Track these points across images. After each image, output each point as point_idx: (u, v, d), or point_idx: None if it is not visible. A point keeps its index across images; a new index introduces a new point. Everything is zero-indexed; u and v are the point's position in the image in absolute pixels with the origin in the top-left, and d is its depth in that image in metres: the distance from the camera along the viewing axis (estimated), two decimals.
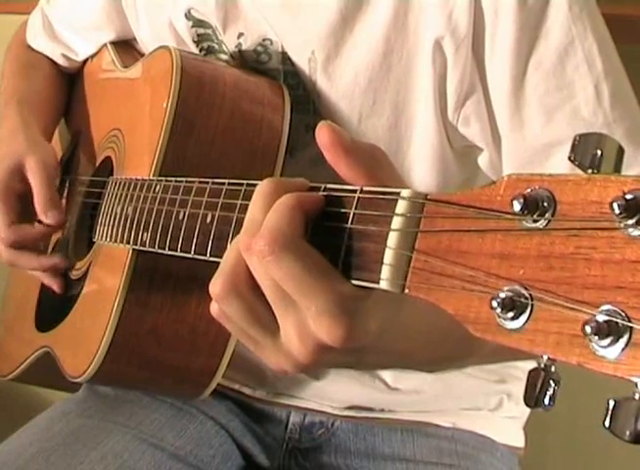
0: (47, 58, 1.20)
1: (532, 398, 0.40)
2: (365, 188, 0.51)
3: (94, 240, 0.94)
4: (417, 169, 0.88)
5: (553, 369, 0.40)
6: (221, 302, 0.53)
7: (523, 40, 0.78)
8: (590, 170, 0.41)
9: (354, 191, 0.51)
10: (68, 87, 1.22)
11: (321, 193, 0.53)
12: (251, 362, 0.99)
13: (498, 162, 0.86)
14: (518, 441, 1.06)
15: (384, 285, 0.47)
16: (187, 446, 0.95)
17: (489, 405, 1.04)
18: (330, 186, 0.53)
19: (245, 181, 0.62)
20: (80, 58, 1.18)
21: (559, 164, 0.79)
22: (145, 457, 0.91)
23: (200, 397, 0.90)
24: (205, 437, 0.98)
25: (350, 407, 1.01)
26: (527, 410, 1.08)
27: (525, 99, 0.80)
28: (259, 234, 0.50)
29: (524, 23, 0.78)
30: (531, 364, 1.09)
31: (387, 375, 0.99)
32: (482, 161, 0.88)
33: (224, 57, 0.95)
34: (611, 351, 0.36)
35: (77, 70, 1.21)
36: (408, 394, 1.00)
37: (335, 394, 1.00)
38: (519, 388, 1.05)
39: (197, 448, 0.96)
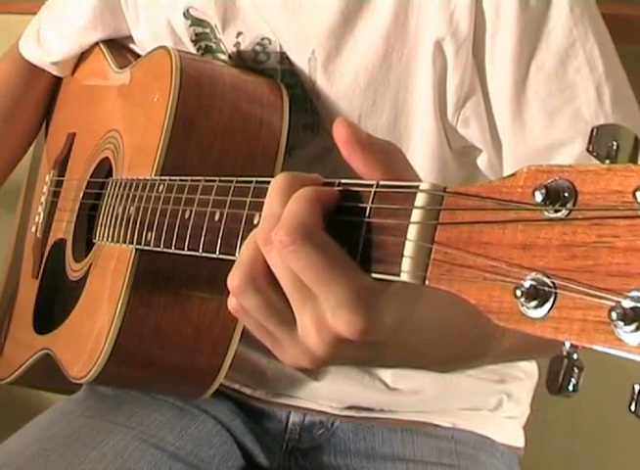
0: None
1: (555, 385, 0.40)
2: (382, 182, 0.51)
3: (94, 241, 0.94)
4: (416, 169, 0.88)
5: (576, 356, 0.40)
6: (239, 295, 0.53)
7: (524, 42, 0.79)
8: (607, 161, 0.41)
9: (370, 185, 0.51)
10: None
11: (336, 188, 0.53)
12: (252, 362, 0.99)
13: (497, 163, 0.86)
14: (518, 441, 1.07)
15: (404, 277, 0.47)
16: (187, 446, 0.95)
17: (489, 405, 1.04)
18: (344, 181, 0.54)
19: (254, 178, 0.62)
20: (57, 58, 1.17)
21: None
22: (145, 457, 0.91)
23: (202, 396, 0.90)
24: (205, 436, 0.98)
25: (350, 407, 1.01)
26: (527, 410, 1.08)
27: (527, 101, 0.80)
28: (279, 225, 0.50)
29: (525, 25, 0.78)
30: (532, 365, 1.10)
31: (386, 375, 0.99)
32: (482, 161, 0.89)
33: (222, 56, 0.95)
34: (636, 336, 0.37)
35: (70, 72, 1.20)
36: (408, 394, 1.00)
37: (334, 394, 1.00)
38: (519, 388, 1.06)
39: (197, 448, 0.96)
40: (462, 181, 0.92)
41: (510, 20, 0.79)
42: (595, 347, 0.38)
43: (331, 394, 1.00)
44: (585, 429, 1.39)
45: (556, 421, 1.36)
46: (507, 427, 1.06)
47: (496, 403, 1.04)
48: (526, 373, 1.06)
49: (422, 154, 0.88)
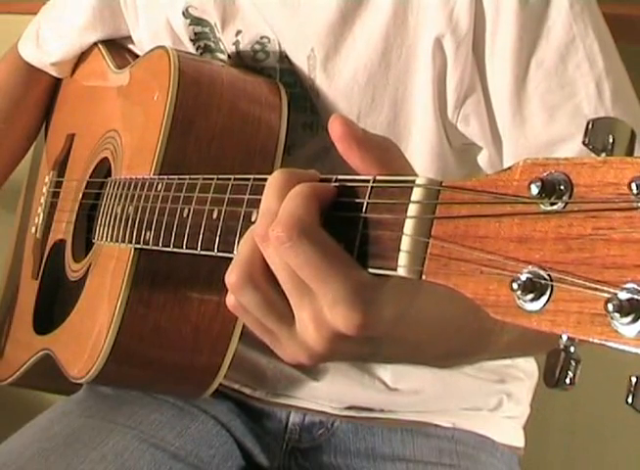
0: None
1: (553, 378, 0.40)
2: (378, 177, 0.51)
3: (93, 241, 0.94)
4: (415, 167, 0.88)
5: (573, 349, 0.40)
6: (237, 292, 0.53)
7: (524, 39, 0.79)
8: (603, 154, 0.41)
9: (367, 181, 0.51)
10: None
11: (333, 184, 0.53)
12: (251, 362, 0.99)
13: (498, 160, 0.86)
14: (518, 441, 1.06)
15: (401, 272, 0.47)
16: (187, 446, 0.95)
17: (489, 405, 1.04)
18: (341, 177, 0.53)
19: (252, 176, 0.62)
20: (56, 59, 1.17)
21: None
22: (145, 457, 0.91)
23: (202, 395, 0.89)
24: (205, 436, 0.97)
25: (350, 408, 1.00)
26: (527, 410, 1.08)
27: (527, 97, 0.80)
28: (276, 221, 0.50)
29: (525, 21, 0.78)
30: (532, 364, 1.10)
31: (386, 376, 0.99)
32: (482, 159, 0.89)
33: (221, 55, 0.96)
34: (632, 328, 0.36)
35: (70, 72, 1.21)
36: (408, 394, 1.00)
37: (334, 394, 1.00)
38: (518, 388, 1.06)
39: (197, 448, 0.96)
40: (462, 179, 0.92)
41: (510, 16, 0.79)
42: (592, 339, 0.38)
43: (331, 394, 0.99)
44: (585, 429, 1.39)
45: (556, 421, 1.35)
46: (507, 427, 1.05)
47: (496, 403, 1.04)
48: (526, 373, 1.06)
49: (421, 152, 0.88)
